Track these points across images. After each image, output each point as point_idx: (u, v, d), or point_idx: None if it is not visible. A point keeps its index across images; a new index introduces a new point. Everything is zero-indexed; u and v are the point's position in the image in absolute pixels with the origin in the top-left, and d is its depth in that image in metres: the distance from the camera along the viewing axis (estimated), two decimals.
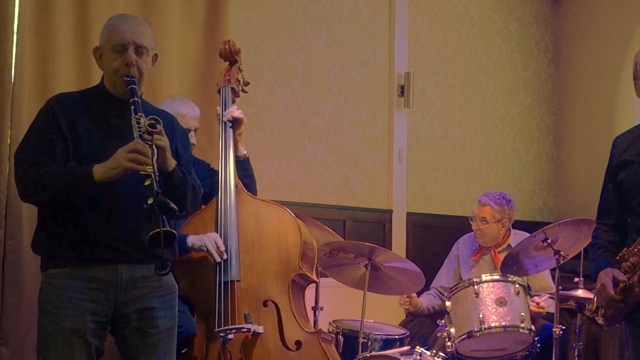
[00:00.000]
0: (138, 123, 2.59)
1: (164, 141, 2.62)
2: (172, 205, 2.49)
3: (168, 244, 2.48)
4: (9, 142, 3.44)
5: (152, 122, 2.58)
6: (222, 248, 3.25)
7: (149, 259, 2.66)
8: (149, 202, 2.47)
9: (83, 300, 2.65)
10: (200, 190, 2.90)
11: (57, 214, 2.67)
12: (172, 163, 2.67)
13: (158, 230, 2.45)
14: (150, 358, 2.75)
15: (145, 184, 2.50)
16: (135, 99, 2.65)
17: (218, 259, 3.25)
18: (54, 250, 2.68)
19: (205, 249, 3.24)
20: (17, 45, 3.50)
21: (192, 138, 3.53)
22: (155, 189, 2.48)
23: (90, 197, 2.64)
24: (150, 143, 2.55)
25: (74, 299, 2.64)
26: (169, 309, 2.81)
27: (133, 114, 2.62)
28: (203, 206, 3.44)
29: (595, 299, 2.85)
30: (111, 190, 2.64)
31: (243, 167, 3.55)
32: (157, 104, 3.26)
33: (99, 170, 2.58)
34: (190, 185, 2.79)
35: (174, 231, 2.50)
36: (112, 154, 2.59)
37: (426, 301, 4.49)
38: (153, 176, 2.50)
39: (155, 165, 2.54)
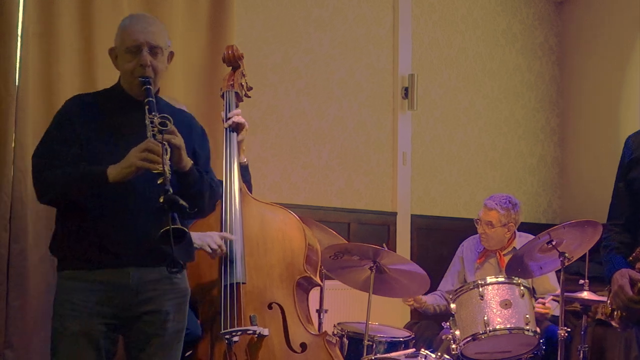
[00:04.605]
0: (152, 122, 2.60)
1: (178, 140, 2.62)
2: (182, 202, 2.48)
3: (178, 242, 2.47)
4: (13, 145, 3.42)
5: (163, 120, 2.58)
6: (223, 247, 3.17)
7: (159, 262, 2.63)
8: (160, 201, 2.47)
9: (94, 303, 2.66)
10: (219, 189, 2.90)
11: (71, 217, 2.69)
12: (187, 163, 2.68)
13: (168, 227, 2.44)
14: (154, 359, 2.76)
15: (158, 182, 2.51)
16: (150, 98, 2.66)
17: (214, 255, 3.17)
18: (69, 252, 2.71)
19: (206, 248, 3.16)
20: (21, 49, 3.50)
21: None
22: (167, 187, 2.49)
23: (101, 201, 2.65)
24: (162, 142, 2.55)
25: (84, 302, 2.66)
26: (180, 312, 2.81)
27: (147, 114, 2.63)
28: None
29: (610, 301, 2.80)
30: (122, 193, 2.65)
31: (241, 172, 3.54)
32: None
33: (113, 171, 2.59)
34: (208, 185, 2.80)
35: (185, 229, 2.49)
36: (125, 154, 2.60)
37: (431, 299, 4.48)
38: (164, 175, 2.51)
39: (168, 164, 2.54)
